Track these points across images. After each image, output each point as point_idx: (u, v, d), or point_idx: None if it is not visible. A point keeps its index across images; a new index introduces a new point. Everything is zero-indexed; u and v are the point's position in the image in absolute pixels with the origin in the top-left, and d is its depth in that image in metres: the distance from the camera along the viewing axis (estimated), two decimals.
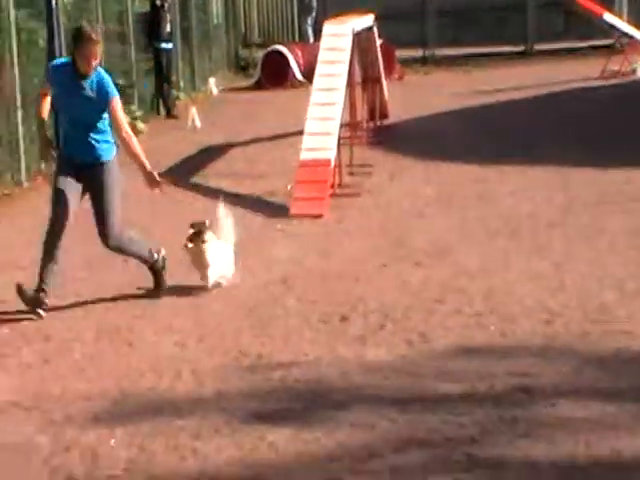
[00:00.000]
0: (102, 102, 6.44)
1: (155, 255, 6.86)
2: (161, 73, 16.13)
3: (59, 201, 6.46)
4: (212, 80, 19.53)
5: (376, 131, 13.67)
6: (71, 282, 7.01)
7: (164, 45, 16.11)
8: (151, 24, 16.04)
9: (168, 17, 16.26)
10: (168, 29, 16.21)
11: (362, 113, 13.11)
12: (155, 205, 9.12)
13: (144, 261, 6.88)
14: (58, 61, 7.41)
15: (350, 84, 11.27)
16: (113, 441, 4.60)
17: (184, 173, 11.41)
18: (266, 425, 4.74)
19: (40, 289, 6.42)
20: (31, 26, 11.27)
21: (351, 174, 10.91)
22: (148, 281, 6.92)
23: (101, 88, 6.42)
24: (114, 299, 6.78)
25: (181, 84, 17.88)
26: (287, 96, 17.75)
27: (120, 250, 6.75)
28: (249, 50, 24.29)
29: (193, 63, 19.09)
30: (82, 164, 6.52)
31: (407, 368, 5.46)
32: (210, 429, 4.71)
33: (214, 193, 10.42)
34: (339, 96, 10.60)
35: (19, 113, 10.64)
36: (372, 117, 13.97)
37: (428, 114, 15.46)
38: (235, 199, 10.08)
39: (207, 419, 4.82)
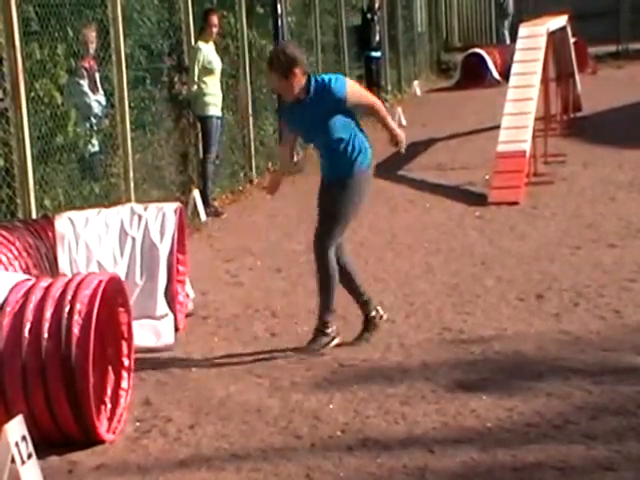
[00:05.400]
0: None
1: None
2: (371, 78, 16.24)
3: None
4: (416, 82, 19.53)
5: (569, 123, 13.20)
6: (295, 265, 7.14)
7: (374, 53, 16.21)
8: (362, 35, 16.16)
9: (377, 28, 16.32)
10: (377, 39, 16.28)
11: (556, 106, 12.69)
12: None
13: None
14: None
15: (544, 80, 10.94)
16: (331, 406, 4.67)
17: (392, 166, 11.42)
18: (468, 394, 4.67)
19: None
20: (261, 43, 11.59)
21: (546, 163, 10.62)
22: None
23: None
24: None
25: (388, 87, 17.92)
26: (485, 94, 17.40)
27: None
28: (450, 54, 24.04)
29: (399, 68, 19.10)
30: None
31: (601, 342, 5.25)
32: (417, 396, 4.69)
33: (419, 184, 10.42)
34: (533, 92, 10.33)
35: (250, 119, 10.97)
36: (566, 110, 13.50)
37: (620, 105, 14.75)
38: (438, 188, 10.04)
39: (414, 387, 4.81)
